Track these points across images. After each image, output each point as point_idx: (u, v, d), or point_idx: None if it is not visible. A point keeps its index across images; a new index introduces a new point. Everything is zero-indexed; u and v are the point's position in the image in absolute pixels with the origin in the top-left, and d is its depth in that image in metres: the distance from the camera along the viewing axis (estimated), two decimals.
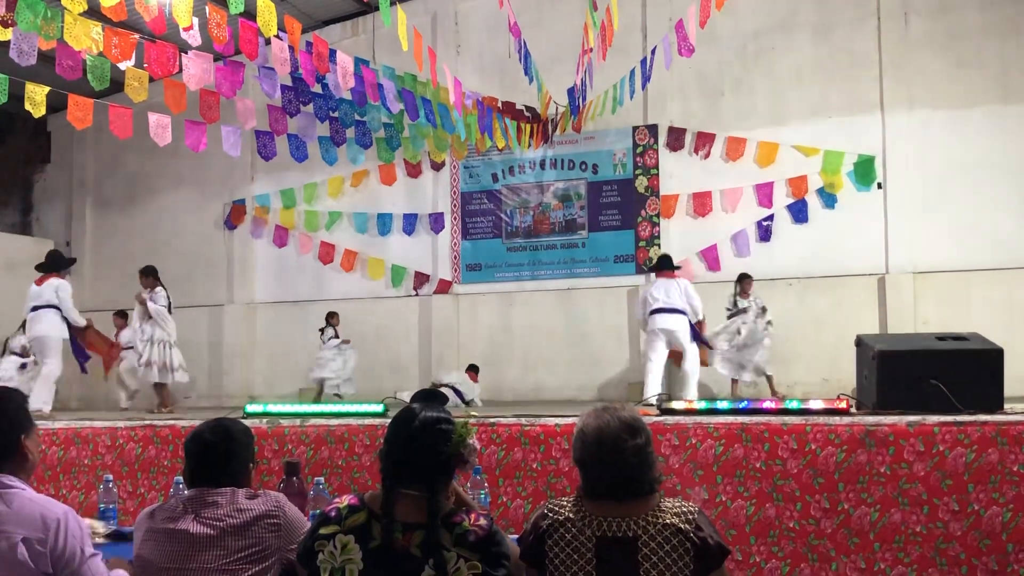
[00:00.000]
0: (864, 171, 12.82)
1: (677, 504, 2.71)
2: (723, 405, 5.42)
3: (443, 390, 12.09)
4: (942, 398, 4.97)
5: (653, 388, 9.87)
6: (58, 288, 9.98)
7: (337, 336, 13.96)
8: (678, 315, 9.90)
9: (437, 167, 14.77)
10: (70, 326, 10.08)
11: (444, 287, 14.75)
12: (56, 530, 2.72)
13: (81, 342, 10.39)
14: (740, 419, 5.05)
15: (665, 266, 10.27)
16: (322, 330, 14.05)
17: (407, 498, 2.57)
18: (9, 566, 2.64)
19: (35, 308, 9.95)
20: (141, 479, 6.08)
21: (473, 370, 12.97)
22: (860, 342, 5.83)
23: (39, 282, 10.02)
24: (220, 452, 2.95)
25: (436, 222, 14.86)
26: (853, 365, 6.06)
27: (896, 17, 12.82)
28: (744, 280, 12.05)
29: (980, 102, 12.43)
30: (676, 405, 5.42)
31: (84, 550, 2.77)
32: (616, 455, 2.71)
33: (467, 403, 12.07)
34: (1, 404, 2.90)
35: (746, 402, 5.35)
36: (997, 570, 4.52)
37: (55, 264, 10.29)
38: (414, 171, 14.83)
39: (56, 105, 7.63)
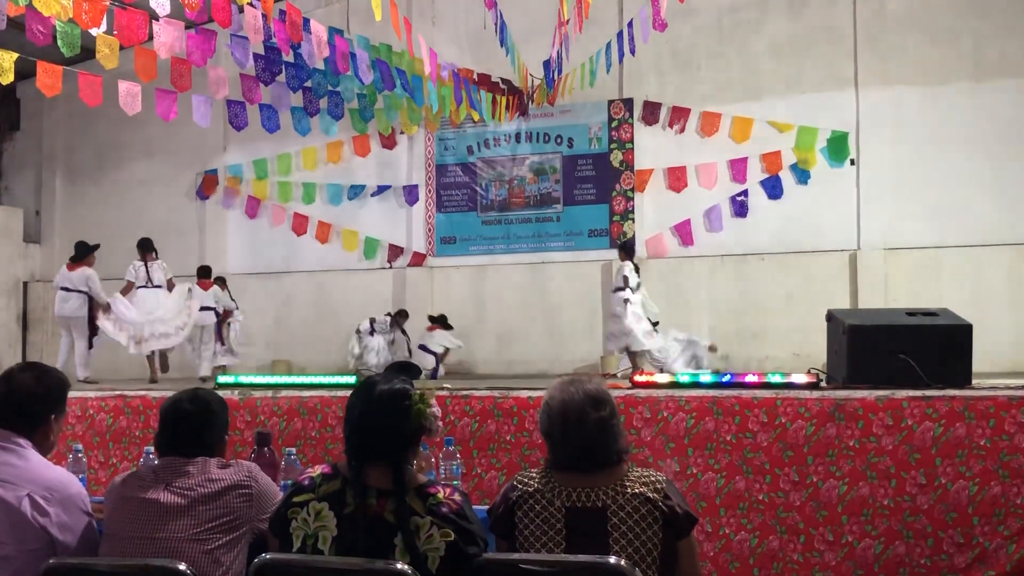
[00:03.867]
0: (838, 147, 12.87)
1: (645, 474, 2.73)
2: (701, 378, 5.46)
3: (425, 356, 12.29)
4: (911, 373, 5.01)
5: None
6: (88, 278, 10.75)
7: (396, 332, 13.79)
8: None
9: (409, 137, 14.68)
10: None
11: (418, 260, 14.71)
12: (63, 496, 2.86)
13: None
14: (711, 392, 5.09)
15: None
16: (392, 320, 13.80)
17: (376, 467, 2.58)
18: (11, 517, 2.77)
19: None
20: (112, 449, 6.05)
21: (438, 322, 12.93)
22: (831, 317, 5.87)
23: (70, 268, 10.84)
24: (198, 422, 2.96)
25: (410, 194, 14.79)
26: (824, 340, 6.10)
27: None
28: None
29: (954, 79, 12.49)
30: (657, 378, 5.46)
31: (86, 518, 2.92)
32: (580, 427, 2.73)
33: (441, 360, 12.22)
34: (43, 380, 3.07)
35: (729, 375, 5.39)
36: (963, 543, 4.59)
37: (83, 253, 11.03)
38: (388, 142, 14.74)
39: (25, 72, 7.52)
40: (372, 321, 13.65)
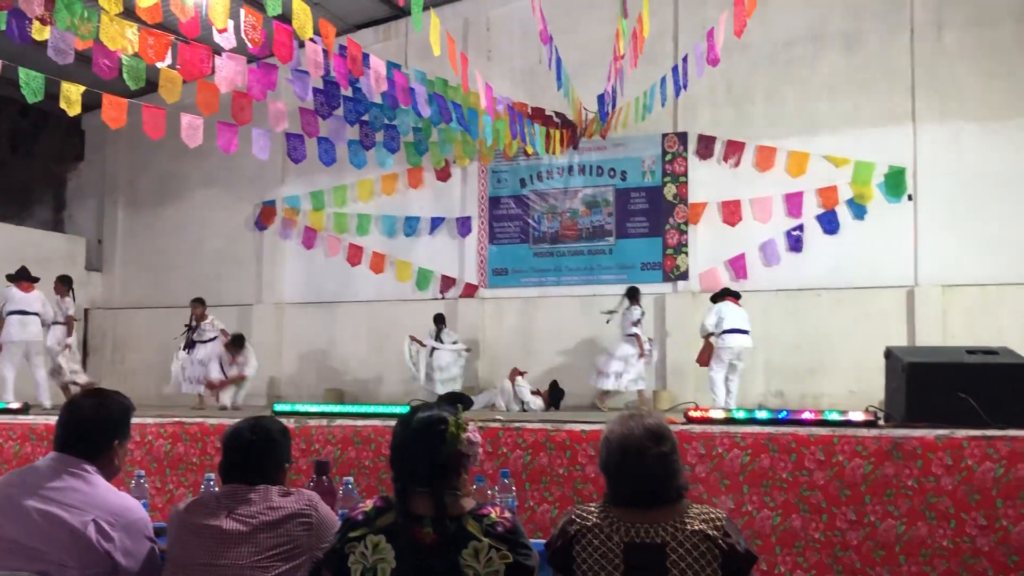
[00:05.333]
0: (895, 183, 12.75)
1: (705, 511, 2.71)
2: (757, 415, 5.42)
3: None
4: (971, 412, 4.94)
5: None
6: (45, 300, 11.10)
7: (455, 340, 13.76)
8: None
9: (462, 170, 14.80)
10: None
11: (470, 291, 14.78)
12: (127, 522, 2.89)
13: None
14: (767, 429, 5.05)
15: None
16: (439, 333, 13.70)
17: (422, 496, 2.61)
18: (77, 542, 2.80)
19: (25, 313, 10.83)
20: (169, 475, 6.13)
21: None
22: (890, 354, 5.81)
23: (26, 289, 10.96)
24: (258, 450, 3.00)
25: (463, 226, 14.89)
26: (880, 377, 6.04)
27: (929, 29, 12.75)
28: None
29: (1012, 115, 12.32)
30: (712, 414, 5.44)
31: (149, 544, 2.96)
32: (640, 462, 2.72)
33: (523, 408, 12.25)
34: (107, 406, 3.12)
35: (785, 412, 5.35)
36: None
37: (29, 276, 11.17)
38: (442, 175, 14.87)
39: (90, 104, 7.72)
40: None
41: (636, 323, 12.21)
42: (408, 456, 2.67)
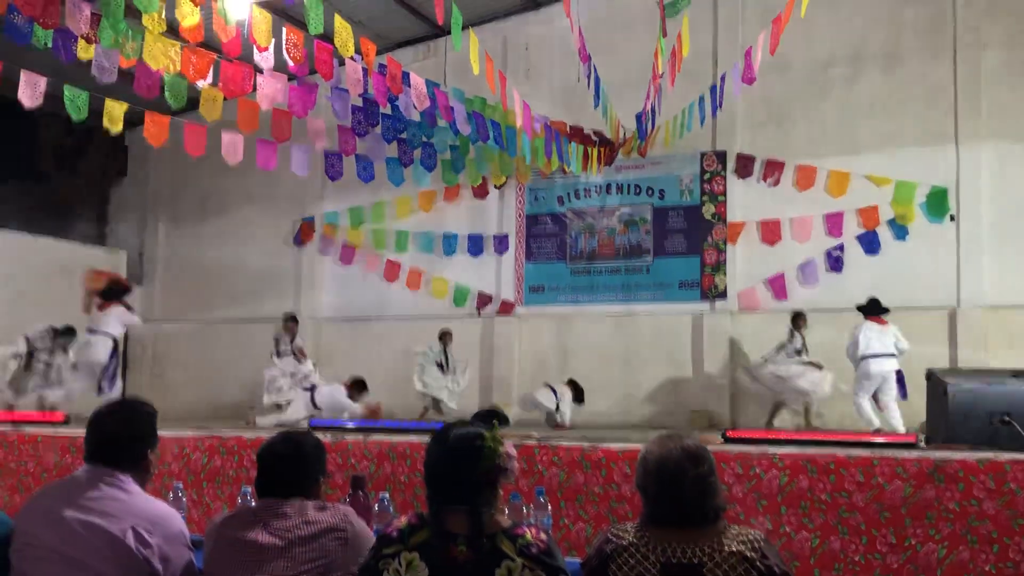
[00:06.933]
0: (937, 203, 12.60)
1: (742, 532, 2.68)
2: (796, 436, 5.38)
3: (542, 391, 12.24)
4: (1014, 435, 4.87)
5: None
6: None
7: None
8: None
9: (499, 188, 14.80)
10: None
11: (507, 308, 14.79)
12: (165, 529, 2.94)
13: None
14: (805, 450, 4.99)
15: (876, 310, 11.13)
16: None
17: (455, 512, 2.60)
18: (116, 550, 2.85)
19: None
20: (206, 488, 6.17)
21: (571, 385, 12.89)
22: (931, 376, 5.75)
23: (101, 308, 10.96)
24: (290, 464, 3.01)
25: (500, 244, 14.92)
26: (922, 399, 5.97)
27: (972, 49, 12.61)
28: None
29: None
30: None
31: (188, 553, 3.01)
32: (677, 483, 2.70)
33: (556, 410, 12.24)
34: (137, 417, 3.18)
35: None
36: None
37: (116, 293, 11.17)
38: (480, 192, 14.91)
39: (133, 121, 7.81)
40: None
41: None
42: (444, 473, 2.67)
